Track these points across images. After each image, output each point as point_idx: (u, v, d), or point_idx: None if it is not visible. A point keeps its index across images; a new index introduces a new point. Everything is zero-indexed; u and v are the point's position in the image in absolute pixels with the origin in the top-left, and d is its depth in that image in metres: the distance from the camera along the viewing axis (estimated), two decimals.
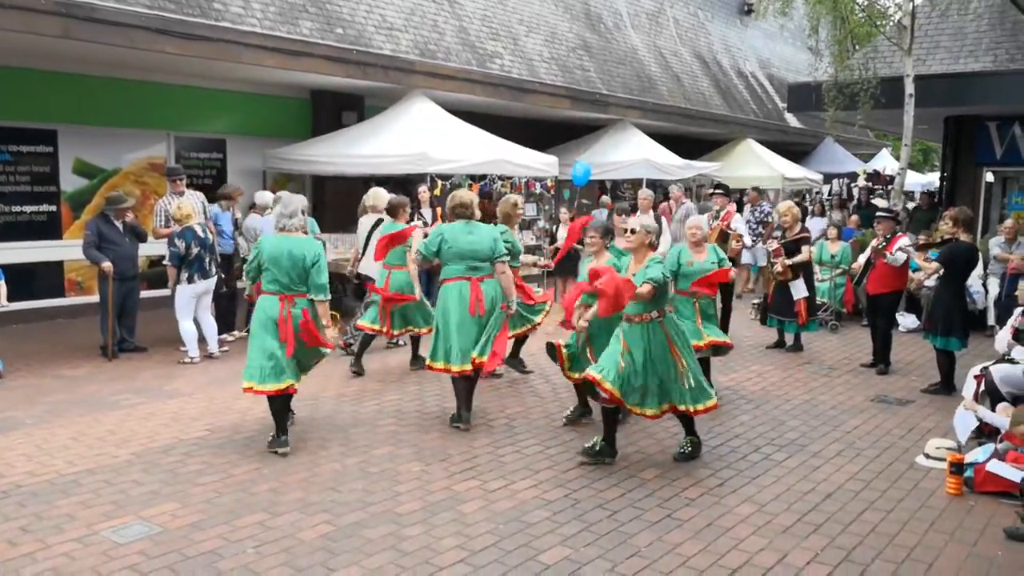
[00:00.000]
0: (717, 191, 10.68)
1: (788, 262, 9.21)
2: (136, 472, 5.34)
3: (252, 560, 4.15)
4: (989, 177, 14.71)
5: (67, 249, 10.52)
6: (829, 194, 20.64)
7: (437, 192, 10.91)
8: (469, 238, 6.32)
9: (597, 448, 5.66)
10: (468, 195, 6.53)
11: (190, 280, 8.34)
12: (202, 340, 8.58)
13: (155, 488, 5.07)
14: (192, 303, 8.41)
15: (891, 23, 13.96)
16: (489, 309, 6.31)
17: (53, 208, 10.57)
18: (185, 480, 5.21)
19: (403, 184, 12.07)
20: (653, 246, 5.66)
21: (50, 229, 10.55)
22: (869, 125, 19.49)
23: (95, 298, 9.07)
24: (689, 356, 5.59)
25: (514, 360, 7.86)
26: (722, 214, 10.20)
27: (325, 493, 5.04)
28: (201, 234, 8.43)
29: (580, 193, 16.26)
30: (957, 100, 13.10)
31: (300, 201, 5.87)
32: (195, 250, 8.30)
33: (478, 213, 6.61)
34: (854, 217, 14.31)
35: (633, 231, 5.58)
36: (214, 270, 8.59)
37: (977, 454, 5.56)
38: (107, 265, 8.32)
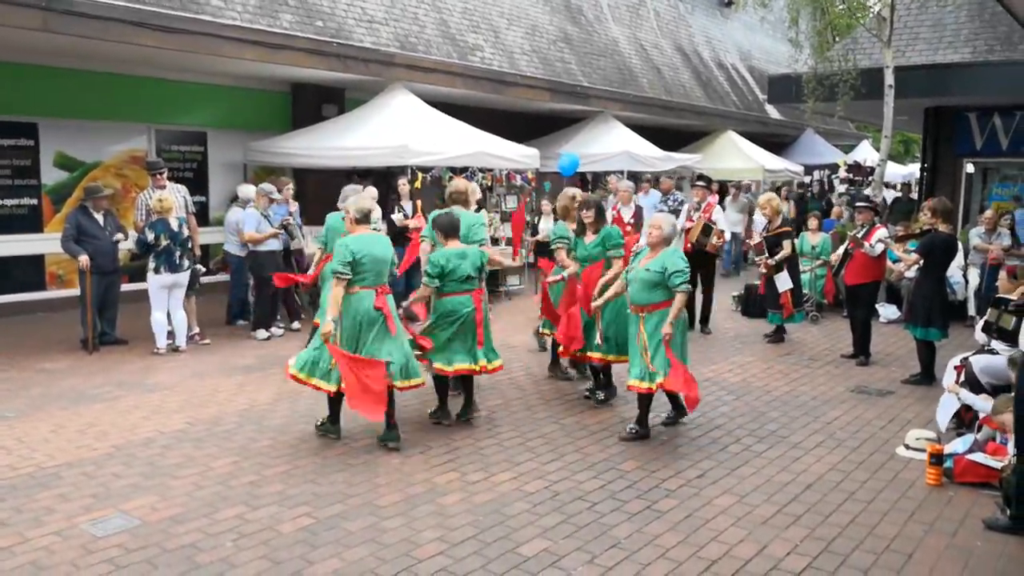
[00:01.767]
0: (698, 183, 10.68)
1: (771, 261, 9.28)
2: (116, 465, 5.31)
3: (231, 553, 4.15)
4: (969, 168, 14.84)
5: (48, 242, 10.41)
6: (806, 186, 20.70)
7: (417, 184, 10.89)
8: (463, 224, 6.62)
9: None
10: (463, 183, 7.13)
11: (157, 270, 8.36)
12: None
13: (135, 481, 5.05)
14: (163, 294, 8.40)
15: (871, 15, 14.03)
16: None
17: (34, 201, 10.47)
18: (165, 473, 5.19)
19: (384, 176, 12.04)
20: (669, 241, 5.98)
21: (31, 222, 10.46)
22: (849, 116, 19.62)
23: (76, 291, 9.01)
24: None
25: None
26: (703, 206, 10.21)
27: (305, 486, 5.04)
28: (175, 228, 8.41)
29: (562, 186, 16.23)
30: (937, 91, 13.19)
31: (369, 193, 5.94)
32: (164, 242, 8.32)
33: (473, 202, 7.07)
34: (836, 208, 14.40)
35: (659, 227, 5.96)
36: (186, 264, 8.56)
37: (957, 445, 5.63)
38: (83, 259, 8.27)
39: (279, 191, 9.72)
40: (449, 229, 6.22)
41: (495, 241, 12.25)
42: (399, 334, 5.75)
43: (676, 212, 11.41)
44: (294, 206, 10.21)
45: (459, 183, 7.25)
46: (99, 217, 8.59)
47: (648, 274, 5.84)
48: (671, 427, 6.31)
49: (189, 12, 9.66)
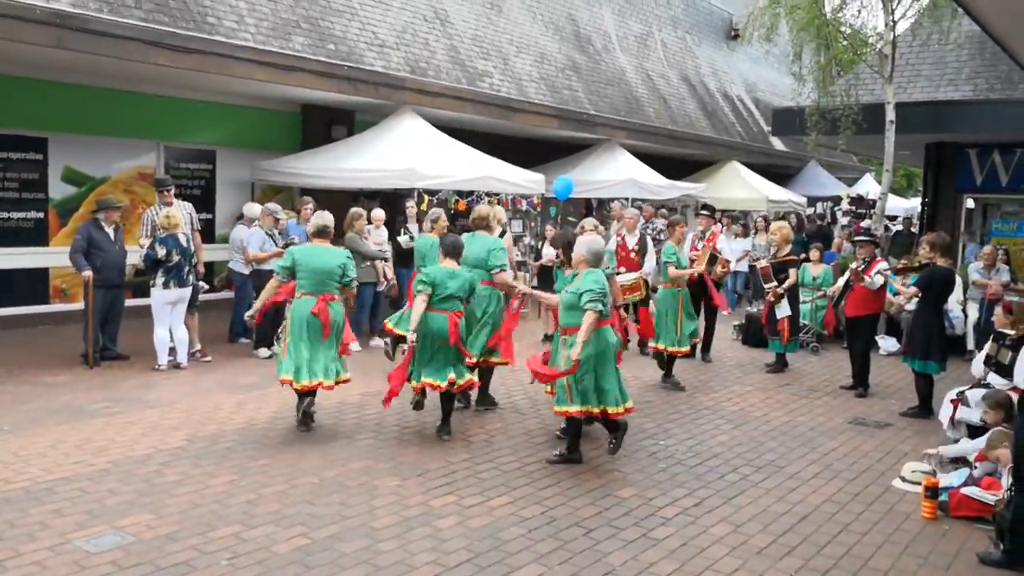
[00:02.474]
0: (703, 212, 10.78)
1: (779, 289, 9.32)
2: (112, 481, 5.32)
3: (225, 572, 4.15)
4: (970, 203, 14.92)
5: (53, 256, 10.50)
6: (823, 216, 20.73)
7: (424, 207, 10.97)
8: (480, 246, 7.06)
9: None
10: (486, 208, 7.50)
11: (165, 285, 8.39)
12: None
13: (130, 498, 5.06)
14: (167, 310, 8.44)
15: (873, 51, 14.19)
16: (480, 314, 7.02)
17: (41, 215, 10.55)
18: (161, 490, 5.20)
19: (391, 198, 12.14)
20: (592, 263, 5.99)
21: (37, 236, 10.53)
22: (851, 150, 19.75)
23: (80, 305, 9.06)
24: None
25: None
26: (707, 235, 10.25)
27: (301, 506, 5.04)
28: (184, 243, 8.48)
29: (566, 210, 16.36)
30: (937, 127, 13.33)
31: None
32: (175, 258, 8.37)
33: (496, 227, 7.40)
34: (837, 240, 14.45)
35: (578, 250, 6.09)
36: (191, 280, 8.63)
37: (952, 478, 5.63)
38: (87, 274, 8.32)
39: (299, 211, 9.74)
40: (450, 249, 6.56)
41: None
42: (331, 340, 6.43)
43: (656, 240, 11.51)
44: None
45: (482, 209, 7.51)
46: (110, 231, 8.67)
47: (568, 296, 5.88)
48: (615, 453, 6.07)
49: (203, 32, 9.81)
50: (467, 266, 6.85)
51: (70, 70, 10.13)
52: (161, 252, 8.31)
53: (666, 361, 8.58)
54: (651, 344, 8.74)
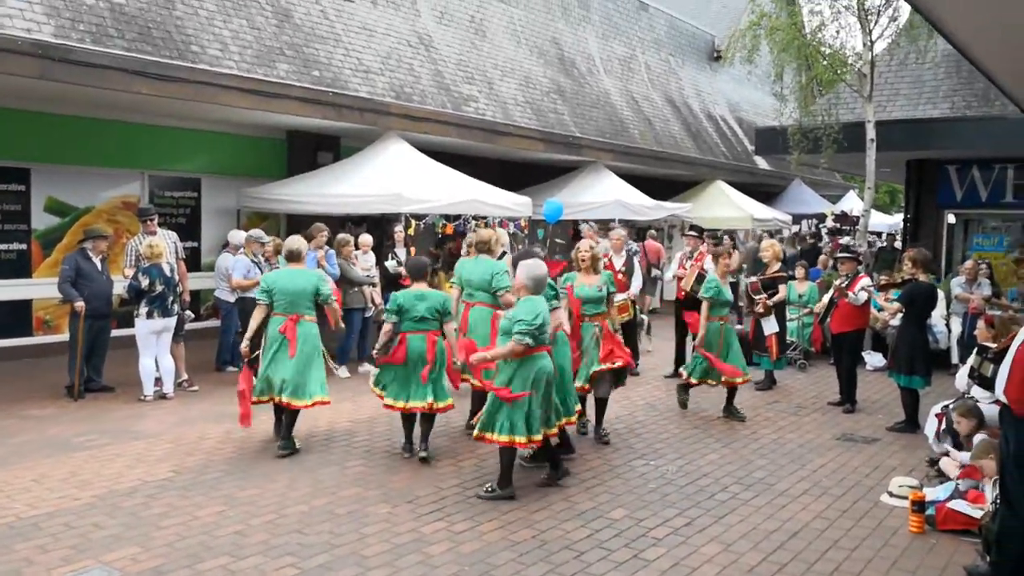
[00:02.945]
0: (690, 232, 10.84)
1: (770, 302, 9.39)
2: (98, 515, 5.27)
3: None
4: (951, 219, 15.08)
5: (37, 288, 10.43)
6: (815, 235, 20.91)
7: (411, 232, 10.99)
8: (488, 270, 7.15)
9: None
10: (488, 232, 7.57)
11: (149, 315, 8.36)
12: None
13: (117, 532, 5.01)
14: (152, 339, 8.39)
15: (852, 71, 14.39)
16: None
17: (23, 246, 10.49)
18: (148, 523, 5.15)
19: (378, 223, 12.16)
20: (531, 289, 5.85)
21: (20, 267, 10.46)
22: (833, 168, 19.97)
23: (64, 337, 9.00)
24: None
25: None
26: (695, 255, 10.32)
27: (291, 535, 5.01)
28: (167, 273, 8.45)
29: (554, 233, 16.43)
30: (917, 145, 13.51)
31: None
32: (159, 288, 8.35)
33: (497, 249, 7.42)
34: (822, 257, 14.57)
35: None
36: (176, 309, 8.60)
37: (938, 492, 5.66)
38: (80, 305, 8.28)
39: (312, 237, 9.54)
40: (414, 272, 6.73)
41: None
42: (297, 357, 6.62)
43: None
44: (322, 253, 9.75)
45: (484, 232, 7.60)
46: (97, 261, 8.64)
47: (504, 322, 5.80)
48: (557, 482, 6.04)
49: (186, 61, 9.84)
50: (472, 289, 7.12)
51: (53, 100, 10.12)
52: (144, 282, 8.29)
53: (728, 393, 8.30)
54: (684, 375, 8.48)
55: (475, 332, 6.97)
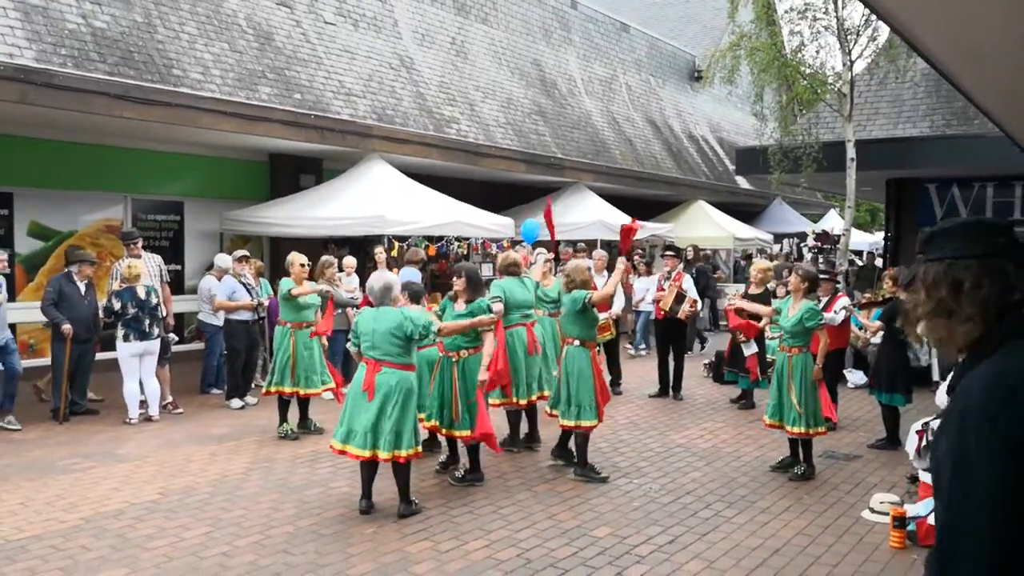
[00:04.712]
0: (668, 253, 10.97)
1: (760, 324, 9.46)
2: (85, 537, 5.26)
3: None
4: None
5: (20, 312, 10.36)
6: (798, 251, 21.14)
7: (394, 253, 11.04)
8: (521, 290, 7.47)
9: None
10: (514, 254, 7.84)
11: (126, 338, 8.39)
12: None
13: (104, 553, 5.00)
14: (133, 363, 8.40)
15: (832, 91, 14.64)
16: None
17: (7, 270, 10.42)
18: (135, 545, 5.15)
19: (361, 245, 12.20)
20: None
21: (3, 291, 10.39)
22: (814, 187, 20.21)
23: (47, 360, 8.95)
24: None
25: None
26: (673, 275, 10.43)
27: (277, 556, 5.02)
28: (142, 296, 8.44)
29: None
30: (897, 164, 13.70)
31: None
32: (132, 311, 8.36)
33: (524, 270, 7.78)
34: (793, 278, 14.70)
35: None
36: (156, 332, 8.56)
37: (919, 508, 5.72)
38: (67, 328, 8.27)
39: (339, 260, 9.66)
40: (413, 295, 6.69)
41: None
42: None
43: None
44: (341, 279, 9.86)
45: (511, 255, 7.82)
46: (81, 285, 8.63)
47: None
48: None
49: (168, 84, 9.89)
50: (527, 309, 7.54)
51: (35, 125, 10.13)
52: (116, 304, 8.31)
53: (800, 446, 7.05)
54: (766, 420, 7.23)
55: (545, 347, 7.67)
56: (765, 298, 9.72)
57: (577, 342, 6.72)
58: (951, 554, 1.58)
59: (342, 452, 5.75)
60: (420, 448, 5.83)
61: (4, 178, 10.30)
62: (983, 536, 1.52)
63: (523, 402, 7.44)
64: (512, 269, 7.57)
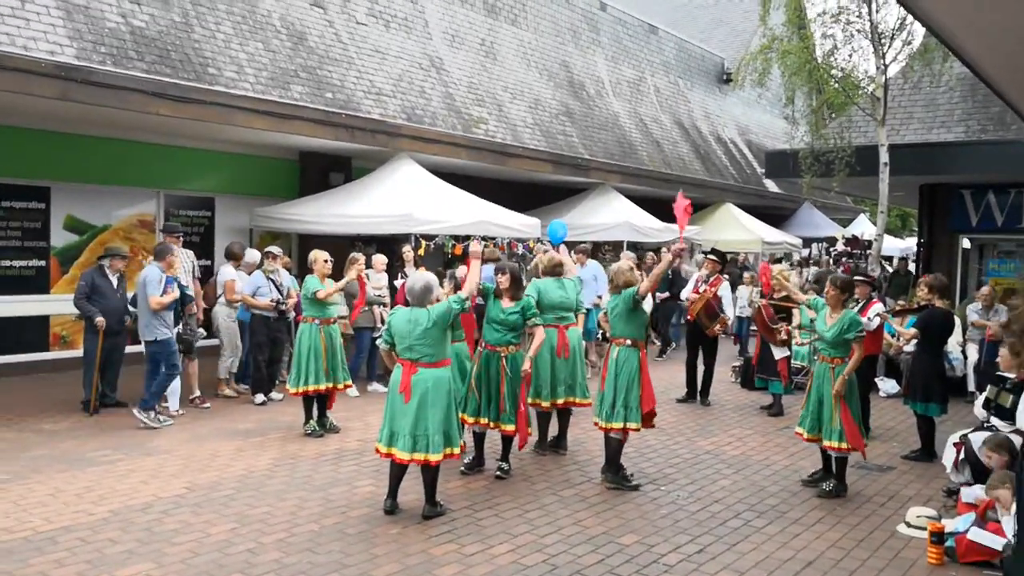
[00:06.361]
0: (710, 256, 10.64)
1: (790, 327, 9.34)
2: (112, 530, 5.29)
3: None
4: (966, 243, 15.02)
5: (54, 303, 10.54)
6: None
7: (421, 252, 11.04)
8: (559, 292, 7.39)
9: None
10: (557, 256, 7.78)
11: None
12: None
13: (131, 547, 5.02)
14: None
15: (864, 94, 14.41)
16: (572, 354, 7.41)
17: (43, 263, 10.61)
18: (162, 539, 5.17)
19: (388, 243, 12.21)
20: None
21: (38, 284, 10.57)
22: (845, 191, 19.95)
23: (79, 352, 9.05)
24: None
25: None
26: (711, 279, 10.20)
27: (302, 555, 5.01)
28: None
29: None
30: (931, 169, 13.46)
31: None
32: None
33: (567, 271, 7.74)
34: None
35: None
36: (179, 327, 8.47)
37: (958, 523, 5.58)
38: (100, 320, 8.34)
39: (367, 257, 9.77)
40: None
41: None
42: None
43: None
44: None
45: (555, 256, 7.79)
46: (113, 279, 8.70)
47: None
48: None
49: (204, 83, 9.97)
50: (561, 311, 7.40)
51: (73, 121, 10.26)
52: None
53: (835, 461, 6.73)
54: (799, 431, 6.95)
55: (575, 352, 7.49)
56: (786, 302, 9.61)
57: (628, 342, 6.58)
58: None
59: (388, 455, 5.69)
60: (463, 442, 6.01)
61: (42, 172, 10.45)
62: None
63: (546, 404, 7.39)
64: (556, 270, 7.57)
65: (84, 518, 5.50)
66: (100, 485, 6.20)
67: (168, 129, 10.86)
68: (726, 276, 10.80)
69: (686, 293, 10.61)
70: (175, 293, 8.26)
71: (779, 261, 17.01)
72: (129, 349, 9.23)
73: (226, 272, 9.58)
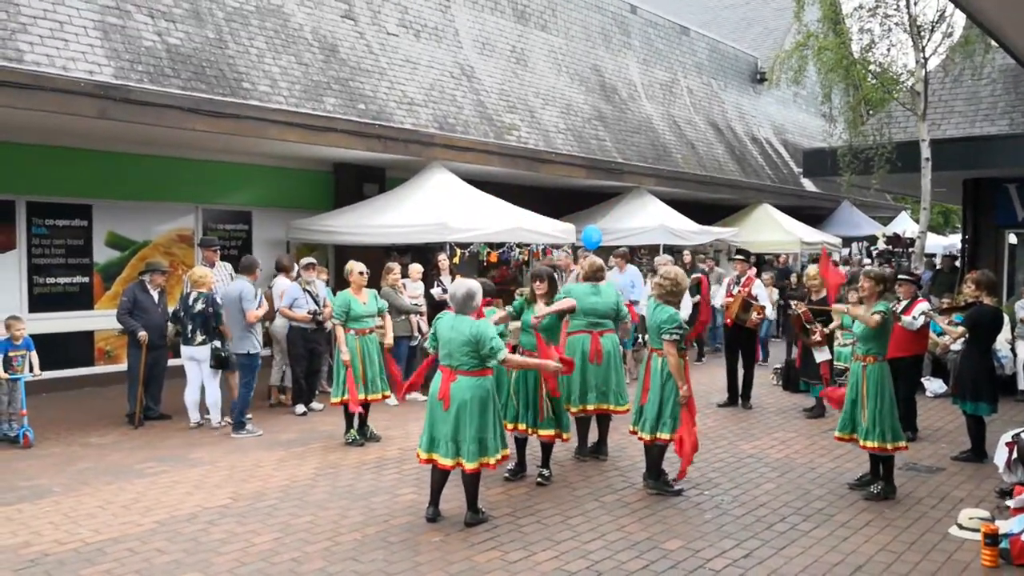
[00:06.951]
0: (737, 256, 10.70)
1: (826, 330, 9.18)
2: (160, 541, 5.35)
3: None
4: (1012, 239, 14.66)
5: (98, 319, 10.76)
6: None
7: (456, 260, 11.06)
8: (594, 298, 7.31)
9: None
10: (596, 259, 7.71)
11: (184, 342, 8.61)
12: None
13: (178, 557, 5.08)
14: (191, 367, 8.53)
15: (904, 89, 14.16)
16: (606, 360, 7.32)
17: (86, 279, 10.83)
18: (208, 549, 5.22)
19: (422, 252, 12.27)
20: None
21: (82, 300, 10.79)
22: (885, 189, 19.62)
23: (123, 367, 9.22)
24: None
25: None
26: (743, 280, 10.19)
27: (346, 563, 5.02)
28: (189, 302, 8.50)
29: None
30: (974, 163, 13.18)
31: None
32: (180, 315, 8.54)
33: (606, 278, 7.69)
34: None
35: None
36: (200, 338, 8.46)
37: (1012, 524, 5.43)
38: (143, 335, 8.49)
39: (403, 267, 10.03)
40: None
41: None
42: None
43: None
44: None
45: (595, 261, 7.71)
46: (154, 293, 8.85)
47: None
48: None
49: (239, 98, 10.11)
50: (595, 317, 7.33)
51: (112, 139, 10.47)
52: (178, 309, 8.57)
53: (880, 462, 6.61)
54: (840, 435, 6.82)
55: (610, 358, 7.37)
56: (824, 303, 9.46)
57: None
58: None
59: (428, 461, 5.68)
60: (508, 449, 5.98)
61: (85, 191, 10.68)
62: None
63: (575, 409, 7.30)
64: (598, 275, 7.52)
65: (132, 529, 5.58)
66: (146, 496, 6.28)
67: (205, 144, 11.03)
68: (758, 276, 10.72)
69: (719, 300, 10.50)
70: (266, 306, 8.71)
71: (815, 261, 16.76)
72: (171, 362, 9.38)
73: (281, 283, 9.68)
